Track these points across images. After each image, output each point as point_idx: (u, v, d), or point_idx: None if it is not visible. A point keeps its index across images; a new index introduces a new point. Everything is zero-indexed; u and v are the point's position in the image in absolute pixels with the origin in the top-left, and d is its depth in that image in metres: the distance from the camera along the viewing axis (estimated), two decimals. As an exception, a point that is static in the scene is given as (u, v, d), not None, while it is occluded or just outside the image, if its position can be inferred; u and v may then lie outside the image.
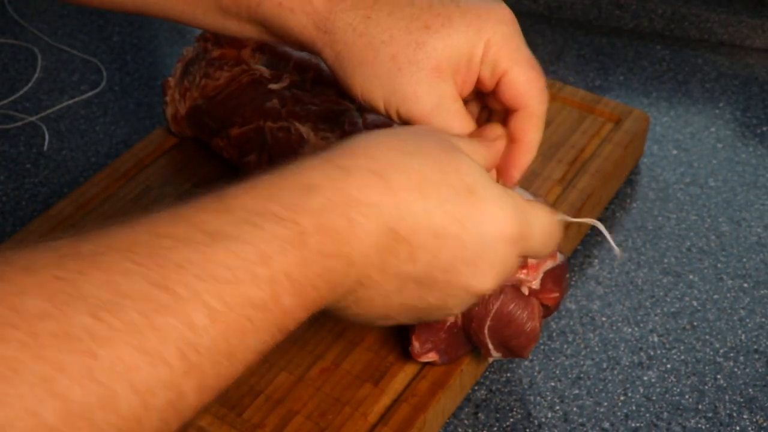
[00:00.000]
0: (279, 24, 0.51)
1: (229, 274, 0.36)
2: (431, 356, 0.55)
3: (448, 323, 0.54)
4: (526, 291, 0.53)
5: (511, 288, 0.53)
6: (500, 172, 0.52)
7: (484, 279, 0.45)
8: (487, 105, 0.54)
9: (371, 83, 0.50)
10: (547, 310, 0.55)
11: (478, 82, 0.51)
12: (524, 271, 0.53)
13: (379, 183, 0.42)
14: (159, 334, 0.33)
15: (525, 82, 0.49)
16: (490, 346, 0.54)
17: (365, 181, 0.41)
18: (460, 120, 0.50)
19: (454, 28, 0.48)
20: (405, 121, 0.50)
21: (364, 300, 0.44)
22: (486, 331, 0.53)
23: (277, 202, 0.39)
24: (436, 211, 0.43)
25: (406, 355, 0.58)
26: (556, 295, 0.54)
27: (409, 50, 0.48)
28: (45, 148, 0.81)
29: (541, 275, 0.53)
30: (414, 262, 0.43)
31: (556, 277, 0.54)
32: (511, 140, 0.51)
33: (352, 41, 0.49)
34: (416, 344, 0.55)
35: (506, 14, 0.50)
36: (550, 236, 0.48)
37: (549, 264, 0.53)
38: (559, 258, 0.54)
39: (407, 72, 0.49)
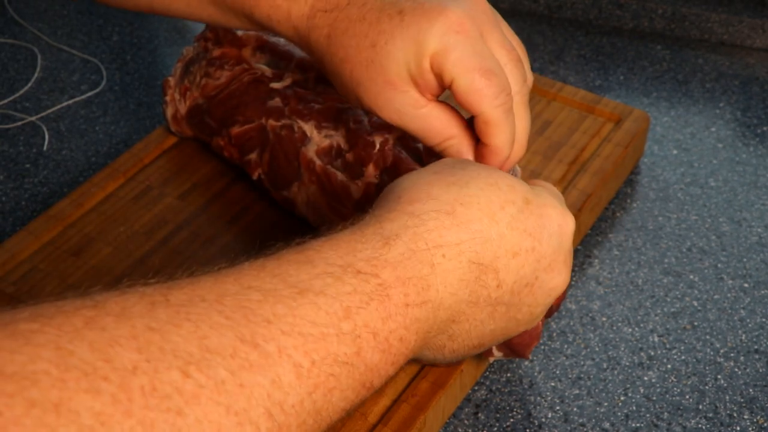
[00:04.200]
0: (271, 29, 0.54)
1: (315, 330, 0.36)
2: None
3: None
4: None
5: None
6: None
7: (562, 276, 0.47)
8: None
9: (343, 91, 0.53)
10: (550, 309, 0.55)
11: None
12: None
13: (452, 221, 0.42)
14: (246, 392, 0.33)
15: (469, 91, 0.48)
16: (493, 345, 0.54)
17: (438, 223, 0.42)
18: (432, 122, 0.50)
19: (397, 46, 0.48)
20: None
21: (458, 334, 0.45)
22: None
23: (357, 256, 0.39)
24: (508, 232, 0.44)
25: (406, 355, 0.58)
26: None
27: (362, 68, 0.50)
28: (45, 148, 0.81)
29: None
30: (501, 286, 0.44)
31: None
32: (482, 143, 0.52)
33: (322, 55, 0.52)
34: None
35: (452, 20, 0.48)
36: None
37: None
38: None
39: (365, 87, 0.50)
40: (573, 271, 0.68)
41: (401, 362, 0.41)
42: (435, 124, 0.51)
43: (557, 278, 0.47)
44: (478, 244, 0.43)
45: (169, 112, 0.73)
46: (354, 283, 0.38)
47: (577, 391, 0.60)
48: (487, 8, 0.50)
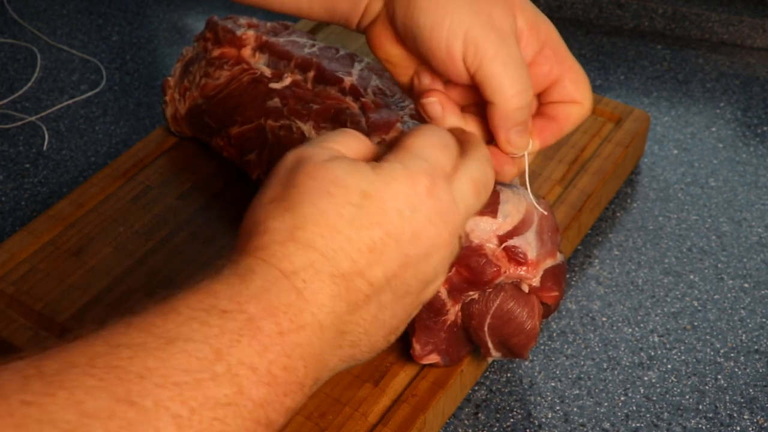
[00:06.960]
0: None
1: (188, 378, 0.36)
2: (433, 358, 0.55)
3: (448, 323, 0.54)
4: (526, 289, 0.53)
5: (511, 285, 0.53)
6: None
7: (431, 231, 0.44)
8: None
9: None
10: (547, 309, 0.55)
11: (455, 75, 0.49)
12: (524, 268, 0.52)
13: (296, 247, 0.41)
14: None
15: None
16: (490, 345, 0.54)
17: (285, 252, 0.41)
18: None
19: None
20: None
21: (358, 339, 0.44)
22: (486, 329, 0.53)
23: (218, 297, 0.39)
24: (354, 234, 0.42)
25: (407, 356, 0.58)
26: (556, 293, 0.54)
27: None
28: (45, 148, 0.81)
29: (541, 273, 0.53)
30: (373, 283, 0.43)
31: (556, 276, 0.53)
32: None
33: None
34: (417, 347, 0.55)
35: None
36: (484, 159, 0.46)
37: (549, 262, 0.53)
38: (559, 257, 0.54)
39: None
40: (573, 271, 0.68)
41: (296, 391, 0.40)
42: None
43: (426, 236, 0.44)
44: (330, 258, 0.42)
45: (169, 112, 0.73)
46: (220, 324, 0.38)
47: (577, 391, 0.60)
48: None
